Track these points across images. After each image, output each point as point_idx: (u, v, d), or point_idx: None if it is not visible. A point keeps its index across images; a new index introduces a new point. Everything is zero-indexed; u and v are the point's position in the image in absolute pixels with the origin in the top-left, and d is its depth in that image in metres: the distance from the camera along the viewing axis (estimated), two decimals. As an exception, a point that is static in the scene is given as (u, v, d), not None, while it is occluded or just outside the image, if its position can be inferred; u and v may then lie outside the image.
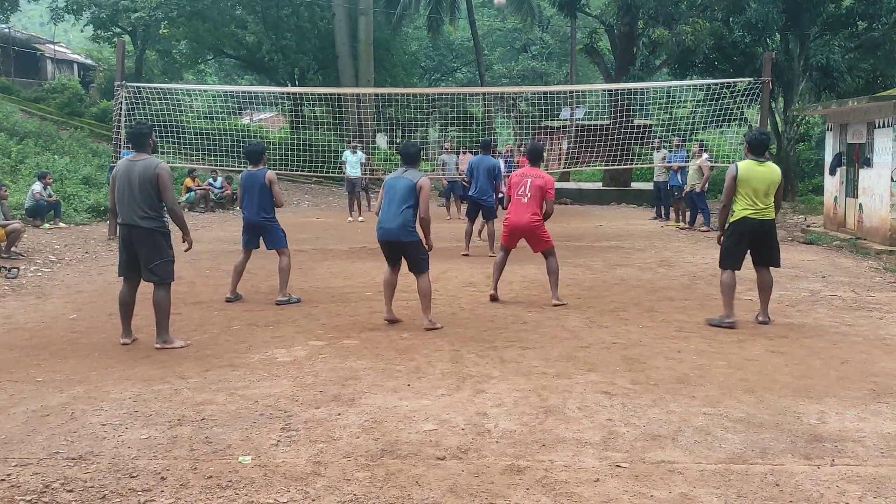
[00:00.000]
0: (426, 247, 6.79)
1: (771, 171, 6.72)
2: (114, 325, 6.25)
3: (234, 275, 8.05)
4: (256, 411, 4.55)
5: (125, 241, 5.99)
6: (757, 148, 6.79)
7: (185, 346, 6.05)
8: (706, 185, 14.74)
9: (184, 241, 6.24)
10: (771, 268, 6.91)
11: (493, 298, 7.89)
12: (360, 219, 16.27)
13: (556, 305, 7.67)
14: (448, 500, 3.44)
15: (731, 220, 6.79)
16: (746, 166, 6.69)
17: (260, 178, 7.77)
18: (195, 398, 4.78)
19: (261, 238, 7.99)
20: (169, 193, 5.92)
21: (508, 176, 14.26)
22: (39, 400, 4.76)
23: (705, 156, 14.49)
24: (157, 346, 5.98)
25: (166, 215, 6.03)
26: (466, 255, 11.15)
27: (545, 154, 9.04)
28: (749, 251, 6.87)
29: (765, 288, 6.90)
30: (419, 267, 6.74)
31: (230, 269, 8.30)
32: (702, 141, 15.46)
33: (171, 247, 6.06)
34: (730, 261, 6.85)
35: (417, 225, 6.65)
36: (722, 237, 6.93)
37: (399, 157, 6.91)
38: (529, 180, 7.64)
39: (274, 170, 8.80)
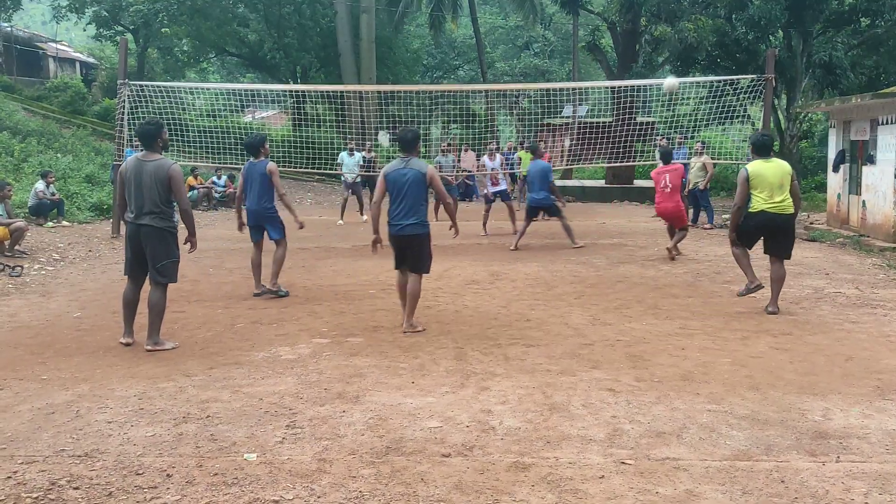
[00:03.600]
0: (454, 230, 6.92)
1: (780, 164, 7.20)
2: (118, 322, 6.25)
3: (254, 270, 8.18)
4: (261, 409, 4.56)
5: (132, 240, 5.96)
6: (761, 149, 7.25)
7: (175, 347, 5.99)
8: (709, 183, 14.73)
9: (186, 242, 6.19)
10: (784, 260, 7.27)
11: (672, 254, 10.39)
12: (364, 218, 16.24)
13: (669, 250, 10.38)
14: (453, 496, 3.45)
15: (749, 212, 7.18)
16: (756, 165, 7.15)
17: (260, 169, 7.94)
18: (200, 396, 4.79)
19: (265, 230, 8.10)
20: (183, 194, 5.97)
21: (493, 170, 14.17)
22: (45, 398, 4.77)
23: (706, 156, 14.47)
24: (148, 348, 5.90)
25: (176, 215, 6.04)
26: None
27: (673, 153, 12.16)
28: (764, 240, 7.23)
29: (777, 280, 7.25)
30: (422, 265, 6.54)
31: (232, 267, 8.32)
32: (703, 141, 15.43)
33: (178, 247, 6.06)
34: (741, 240, 7.30)
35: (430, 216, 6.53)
36: (735, 236, 7.29)
37: (399, 145, 6.62)
38: (668, 175, 10.42)
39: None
